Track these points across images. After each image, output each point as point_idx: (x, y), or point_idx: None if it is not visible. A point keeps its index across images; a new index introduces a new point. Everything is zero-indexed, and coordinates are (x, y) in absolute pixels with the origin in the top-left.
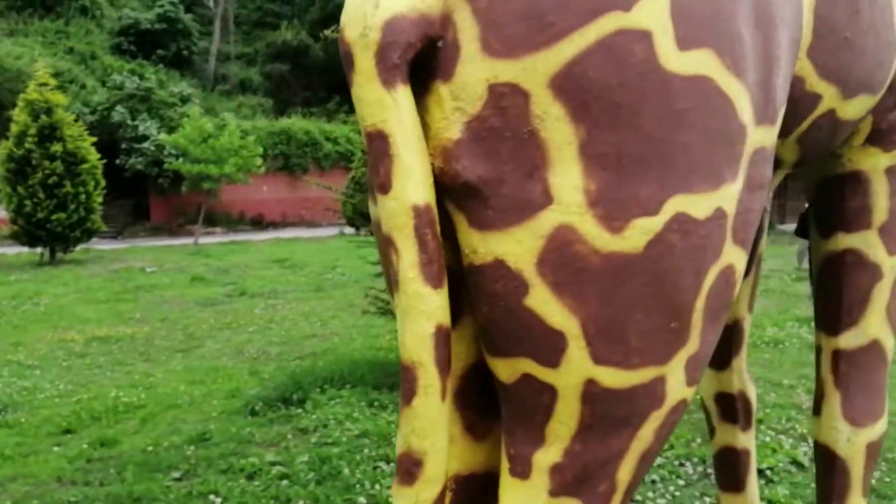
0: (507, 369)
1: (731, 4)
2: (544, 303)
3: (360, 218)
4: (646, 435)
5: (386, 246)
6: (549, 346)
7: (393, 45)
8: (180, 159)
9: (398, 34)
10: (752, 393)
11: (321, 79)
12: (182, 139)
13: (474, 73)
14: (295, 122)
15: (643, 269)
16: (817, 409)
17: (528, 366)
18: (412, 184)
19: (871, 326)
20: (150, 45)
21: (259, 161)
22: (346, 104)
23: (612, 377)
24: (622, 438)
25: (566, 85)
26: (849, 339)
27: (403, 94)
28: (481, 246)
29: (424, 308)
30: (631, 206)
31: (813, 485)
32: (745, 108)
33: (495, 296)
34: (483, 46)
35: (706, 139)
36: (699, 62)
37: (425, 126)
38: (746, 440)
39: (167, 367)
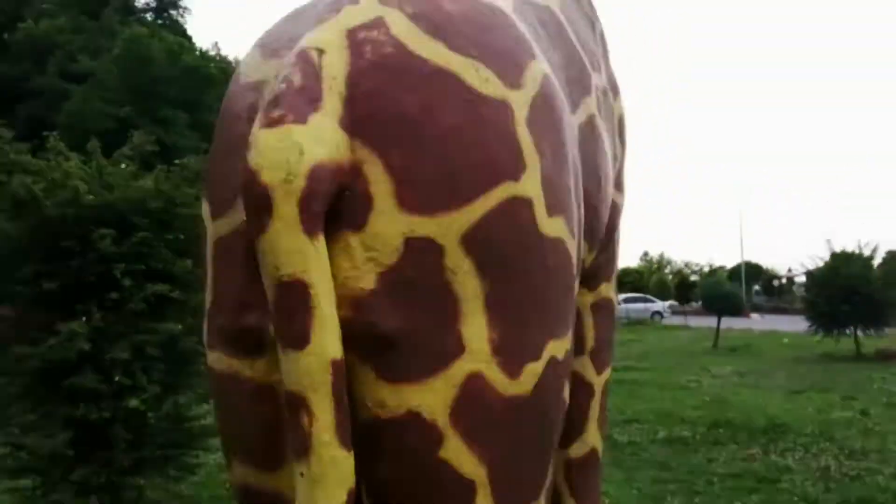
0: None
1: (570, 181)
2: (458, 453)
3: None
4: None
5: (291, 406)
6: (460, 498)
7: (317, 194)
8: None
9: (321, 182)
10: None
11: None
12: None
13: (390, 226)
14: None
15: (532, 408)
16: None
17: None
18: (331, 337)
19: (590, 436)
20: None
21: None
22: None
23: None
24: None
25: (474, 242)
26: (575, 450)
27: (322, 243)
28: (392, 399)
29: (340, 475)
30: (524, 353)
31: None
32: (575, 266)
33: (407, 450)
34: (399, 201)
35: (564, 292)
36: (558, 227)
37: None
38: None
39: None
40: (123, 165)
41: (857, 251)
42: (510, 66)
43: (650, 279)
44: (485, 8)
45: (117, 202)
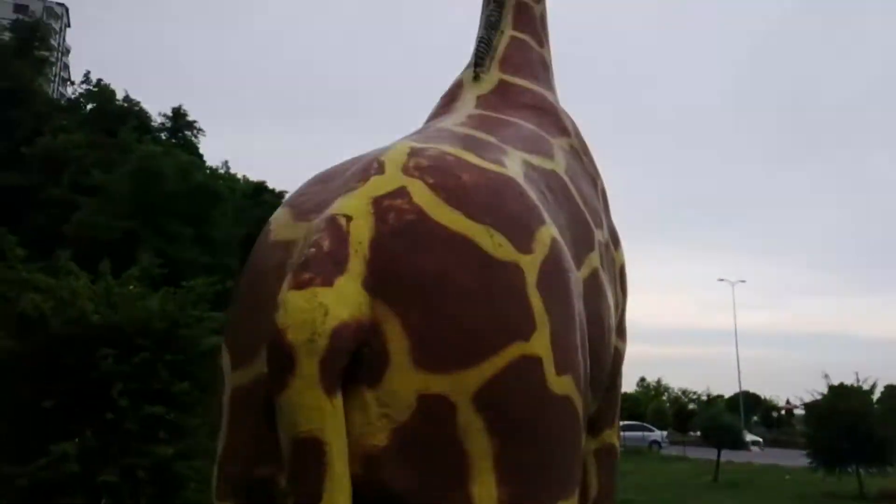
0: None
1: (577, 338)
2: None
3: None
4: None
5: None
6: None
7: (338, 353)
8: None
9: (343, 341)
10: None
11: None
12: None
13: (405, 382)
14: None
15: None
16: None
17: None
18: (343, 497)
19: None
20: None
21: None
22: None
23: None
24: None
25: (486, 400)
26: None
27: (339, 401)
28: None
29: None
30: None
31: None
32: (583, 422)
33: None
34: (414, 359)
35: (572, 451)
36: (567, 385)
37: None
38: None
39: None
40: (131, 287)
41: (855, 384)
42: (521, 232)
43: (648, 406)
44: (499, 178)
45: (122, 322)
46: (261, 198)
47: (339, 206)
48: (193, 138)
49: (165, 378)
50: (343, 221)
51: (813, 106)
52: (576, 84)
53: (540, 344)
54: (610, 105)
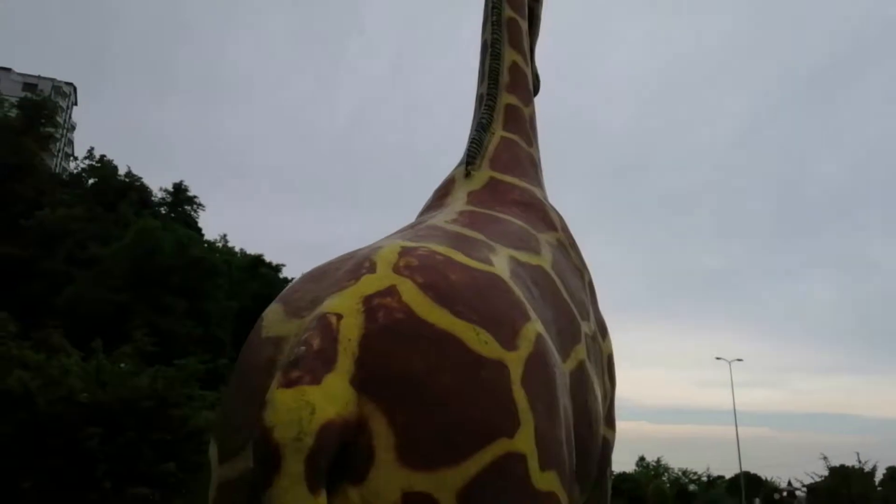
0: None
1: (562, 433)
2: None
3: None
4: None
5: None
6: None
7: (323, 451)
8: None
9: (329, 440)
10: None
11: None
12: None
13: (389, 480)
14: None
15: None
16: None
17: None
18: None
19: None
20: None
21: None
22: None
23: None
24: None
25: (470, 498)
26: None
27: (324, 497)
28: None
29: None
30: None
31: None
32: None
33: None
34: (399, 457)
35: None
36: (551, 480)
37: None
38: None
39: None
40: (122, 365)
41: (856, 465)
42: (507, 329)
43: (648, 488)
44: (485, 277)
45: (110, 401)
46: (257, 271)
47: (330, 304)
48: (193, 213)
49: (151, 459)
50: (333, 320)
51: (806, 184)
52: (573, 163)
53: (524, 440)
54: (607, 183)
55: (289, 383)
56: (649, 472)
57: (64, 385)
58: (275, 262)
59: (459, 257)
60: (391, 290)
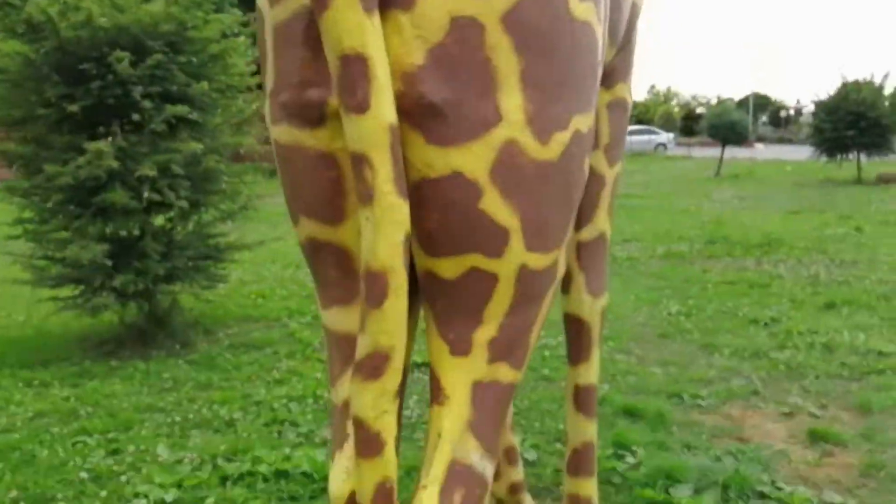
0: (454, 266)
1: None
2: (495, 205)
3: None
4: (547, 304)
5: (356, 164)
6: (497, 241)
7: None
8: None
9: None
10: None
11: None
12: None
13: (437, 5)
14: None
15: (558, 172)
16: (566, 289)
17: (476, 260)
18: (388, 105)
19: (600, 222)
20: None
21: None
22: None
23: (537, 261)
24: (536, 310)
25: (513, 22)
26: (586, 233)
27: (378, 20)
28: (438, 161)
29: (397, 218)
30: (553, 123)
31: None
32: (601, 52)
33: (451, 203)
34: None
35: (590, 72)
36: (588, 10)
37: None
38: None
39: None
40: None
41: (868, 79)
42: None
43: (656, 112)
44: None
45: (130, 25)
46: None
47: None
48: None
49: (182, 80)
50: None
51: None
52: None
53: None
54: None
55: None
56: (659, 99)
57: (81, 10)
58: None
59: None
60: None
